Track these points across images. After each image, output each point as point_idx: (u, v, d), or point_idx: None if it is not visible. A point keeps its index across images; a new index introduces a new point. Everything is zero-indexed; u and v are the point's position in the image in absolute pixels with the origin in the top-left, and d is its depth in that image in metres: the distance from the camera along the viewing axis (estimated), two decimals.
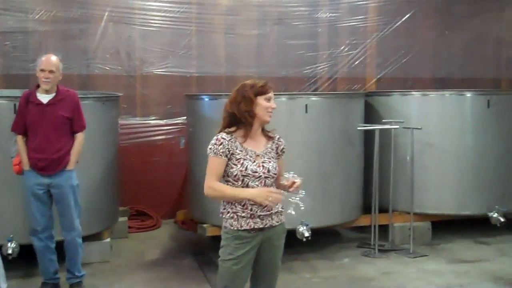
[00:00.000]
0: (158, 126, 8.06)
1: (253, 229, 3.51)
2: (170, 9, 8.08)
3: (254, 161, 3.53)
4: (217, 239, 6.63)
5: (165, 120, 8.09)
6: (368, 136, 6.88)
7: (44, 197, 5.11)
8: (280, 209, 3.60)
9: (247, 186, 3.49)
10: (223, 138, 3.51)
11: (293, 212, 3.60)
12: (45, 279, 5.32)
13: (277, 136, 3.72)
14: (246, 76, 8.05)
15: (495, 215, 6.85)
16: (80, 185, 5.27)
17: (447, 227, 7.30)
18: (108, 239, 6.36)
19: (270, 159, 3.59)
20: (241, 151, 3.53)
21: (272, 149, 3.65)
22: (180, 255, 6.59)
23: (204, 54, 8.26)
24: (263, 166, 3.53)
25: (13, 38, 7.49)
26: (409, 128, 6.65)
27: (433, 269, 6.03)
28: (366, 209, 6.98)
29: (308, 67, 8.63)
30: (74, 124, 5.16)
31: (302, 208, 3.58)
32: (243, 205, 3.50)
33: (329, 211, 6.48)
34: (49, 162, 5.04)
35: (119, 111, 7.08)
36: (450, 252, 6.61)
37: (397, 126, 6.68)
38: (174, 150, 7.95)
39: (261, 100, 3.53)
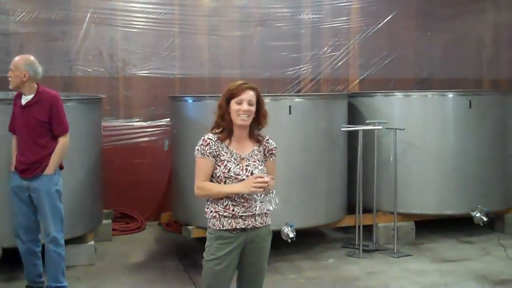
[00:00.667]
0: (141, 128, 8.02)
1: (235, 229, 3.51)
2: (152, 10, 8.05)
3: (238, 164, 3.53)
4: (202, 241, 6.61)
5: (148, 122, 8.06)
6: (351, 137, 6.90)
7: (26, 199, 5.03)
8: (265, 211, 3.58)
9: None
10: (209, 139, 3.54)
11: (271, 208, 3.53)
12: (28, 282, 5.25)
13: (266, 138, 3.68)
14: (230, 77, 8.06)
15: (478, 214, 6.89)
16: (63, 187, 5.19)
17: (430, 227, 7.35)
18: (92, 242, 6.30)
19: (255, 162, 3.56)
20: (226, 153, 3.54)
21: (259, 151, 3.62)
22: (165, 257, 6.56)
23: (187, 55, 8.25)
24: (246, 169, 3.52)
25: None
26: (392, 128, 6.69)
27: (417, 269, 6.06)
28: (350, 209, 7.00)
29: (292, 69, 8.65)
30: (53, 128, 4.97)
31: (272, 207, 3.52)
32: (225, 206, 3.51)
33: (314, 211, 6.49)
34: (26, 165, 4.95)
35: (102, 113, 7.04)
36: (434, 252, 6.66)
37: (380, 127, 6.72)
38: (158, 152, 7.93)
39: (233, 104, 3.52)
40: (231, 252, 3.53)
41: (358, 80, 8.94)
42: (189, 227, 6.44)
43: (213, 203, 3.57)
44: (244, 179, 3.49)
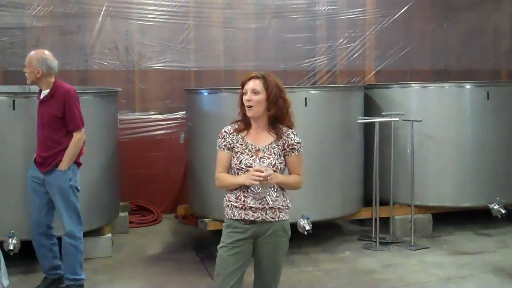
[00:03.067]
0: (157, 121, 8.04)
1: (244, 220, 3.53)
2: (167, 3, 8.04)
3: (252, 156, 3.52)
4: (218, 233, 6.63)
5: (164, 115, 8.07)
6: (368, 128, 6.87)
7: (40, 191, 5.03)
8: (279, 206, 3.55)
9: None
10: (225, 132, 3.61)
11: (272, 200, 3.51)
12: (44, 273, 5.28)
13: (288, 132, 3.60)
14: (245, 70, 8.05)
15: (496, 206, 6.85)
16: (80, 181, 5.20)
17: (448, 219, 7.30)
18: (109, 234, 6.33)
19: (271, 154, 3.53)
20: (241, 144, 3.56)
21: (277, 145, 3.55)
22: (181, 249, 6.59)
23: (202, 48, 8.24)
24: (260, 161, 3.50)
25: (10, 34, 7.45)
26: (409, 120, 6.64)
27: (434, 261, 6.03)
28: (367, 202, 6.98)
29: (307, 60, 8.61)
30: (67, 123, 4.93)
31: (269, 203, 3.50)
32: (237, 197, 3.55)
33: (330, 204, 6.48)
34: (42, 159, 4.97)
35: (118, 106, 7.06)
36: (451, 244, 6.62)
37: (397, 119, 6.68)
38: (174, 144, 7.95)
39: (243, 96, 3.57)
40: (240, 241, 3.55)
41: (374, 72, 8.88)
42: (205, 219, 6.45)
43: (228, 193, 3.62)
44: None
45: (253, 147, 3.54)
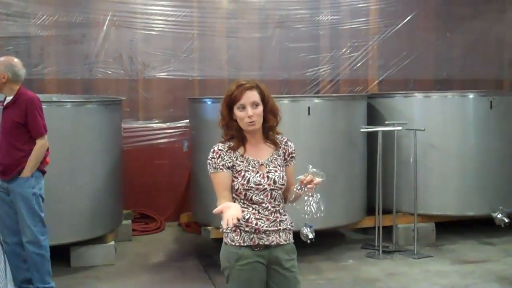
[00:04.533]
0: (161, 129, 8.06)
1: (258, 246, 3.13)
2: (171, 13, 8.09)
3: (258, 172, 3.14)
4: (221, 241, 6.66)
5: (167, 124, 8.09)
6: (371, 138, 6.88)
7: (7, 200, 4.99)
8: (289, 227, 3.23)
9: (251, 200, 3.12)
10: (220, 150, 3.16)
11: (314, 212, 3.15)
12: (16, 287, 5.14)
13: (285, 140, 3.29)
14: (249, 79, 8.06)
15: (499, 215, 6.84)
16: (84, 188, 5.19)
17: (451, 228, 7.29)
18: (112, 242, 6.35)
19: (276, 167, 3.18)
20: (241, 162, 3.15)
21: (279, 156, 3.24)
22: (184, 257, 6.59)
23: (206, 57, 8.27)
24: (268, 177, 3.14)
25: (15, 43, 7.50)
26: (412, 129, 6.65)
27: (438, 270, 6.02)
28: (370, 210, 6.98)
29: (310, 70, 8.63)
30: (30, 130, 4.88)
31: (317, 214, 3.15)
32: (247, 220, 3.11)
33: (333, 212, 6.46)
34: (3, 167, 4.92)
35: (122, 115, 7.10)
36: (454, 253, 6.61)
37: (400, 128, 6.68)
38: (177, 153, 7.95)
39: (236, 111, 3.12)
40: (254, 273, 3.15)
41: (377, 81, 8.90)
42: (209, 227, 6.46)
43: None
44: (266, 188, 3.12)
45: (255, 162, 3.16)
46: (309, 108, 6.23)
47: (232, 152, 3.16)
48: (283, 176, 3.19)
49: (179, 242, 7.29)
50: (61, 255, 5.82)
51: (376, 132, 6.64)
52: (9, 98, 4.97)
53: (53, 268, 5.14)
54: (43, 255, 5.01)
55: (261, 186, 3.12)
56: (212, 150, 3.18)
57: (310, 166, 3.11)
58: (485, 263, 6.22)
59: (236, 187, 3.13)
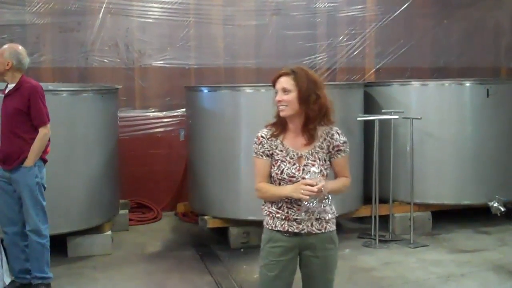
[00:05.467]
0: (157, 118, 8.03)
1: (287, 232, 3.21)
2: (168, 0, 8.02)
3: (294, 164, 3.18)
4: (218, 231, 6.68)
5: (164, 112, 8.07)
6: (367, 126, 6.88)
7: (8, 190, 4.96)
8: (323, 216, 3.24)
9: None
10: (262, 137, 3.25)
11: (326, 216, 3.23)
12: (13, 276, 5.16)
13: (331, 133, 3.28)
14: (245, 67, 8.07)
15: (495, 204, 6.84)
16: (81, 178, 5.17)
17: (447, 217, 7.31)
18: (109, 232, 6.34)
19: (315, 161, 3.19)
20: (281, 151, 3.22)
21: (322, 149, 3.23)
22: (181, 247, 6.59)
23: (202, 45, 8.23)
24: (303, 170, 3.17)
25: (10, 31, 7.43)
26: (408, 118, 6.64)
27: (434, 259, 6.04)
28: (367, 199, 6.99)
29: (307, 58, 8.60)
30: (32, 119, 4.84)
31: (327, 215, 3.22)
32: (279, 207, 3.23)
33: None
34: (5, 156, 4.89)
35: (118, 103, 7.07)
36: (450, 242, 6.62)
37: (397, 116, 6.67)
38: (174, 142, 7.95)
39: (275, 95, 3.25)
40: (282, 256, 3.24)
41: (374, 69, 8.88)
42: (205, 217, 6.47)
43: (268, 203, 3.30)
44: (300, 181, 3.14)
45: (294, 153, 3.20)
46: None
47: (273, 139, 3.24)
48: (320, 170, 3.17)
49: (176, 231, 7.29)
50: (58, 245, 5.79)
51: (373, 120, 6.63)
52: (10, 86, 4.93)
53: (50, 258, 5.12)
54: (44, 244, 5.00)
55: (294, 179, 3.17)
56: (256, 135, 3.29)
57: (313, 169, 3.14)
58: (481, 252, 6.23)
59: (272, 175, 3.24)
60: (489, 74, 9.24)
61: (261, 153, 3.23)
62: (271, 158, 3.23)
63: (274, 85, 3.24)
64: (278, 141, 3.23)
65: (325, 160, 3.23)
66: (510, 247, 6.41)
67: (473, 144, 7.00)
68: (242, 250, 6.16)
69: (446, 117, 7.00)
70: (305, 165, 3.17)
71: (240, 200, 6.18)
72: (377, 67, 8.89)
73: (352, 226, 7.28)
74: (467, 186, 7.01)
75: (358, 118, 6.68)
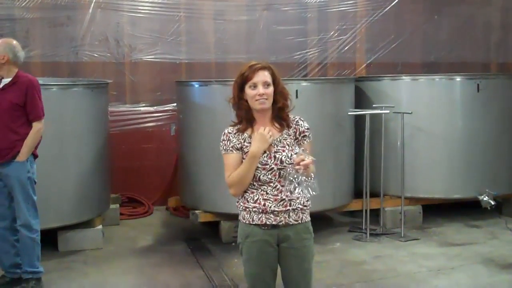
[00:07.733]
0: (148, 113, 8.01)
1: (265, 225, 3.24)
2: None
3: (265, 152, 3.22)
4: (209, 225, 6.68)
5: (155, 107, 8.05)
6: (358, 121, 6.89)
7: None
8: (301, 207, 3.29)
9: (259, 180, 3.23)
10: (229, 133, 3.30)
11: (309, 194, 3.16)
12: (4, 271, 5.15)
13: (296, 119, 3.37)
14: (236, 62, 8.05)
15: (486, 198, 6.88)
16: (71, 172, 5.15)
17: (438, 210, 7.34)
18: (100, 226, 6.33)
19: (284, 147, 3.26)
20: (249, 143, 3.25)
21: (289, 135, 3.31)
22: (172, 241, 6.59)
23: (193, 40, 8.21)
24: (274, 156, 3.22)
25: (0, 26, 7.40)
26: (399, 112, 6.66)
27: (424, 253, 6.07)
28: (357, 193, 7.01)
29: (298, 53, 8.60)
30: (27, 113, 4.82)
31: (310, 194, 3.17)
32: (255, 200, 3.25)
33: (321, 196, 6.36)
34: None
35: (109, 98, 7.05)
36: (441, 236, 6.65)
37: (388, 111, 6.70)
38: (165, 137, 7.93)
39: (248, 89, 3.23)
40: (263, 250, 3.27)
41: (365, 64, 8.89)
42: (196, 211, 6.47)
43: (242, 198, 3.31)
44: (273, 168, 3.20)
45: None
46: (296, 91, 6.19)
47: (240, 134, 3.29)
48: (291, 155, 3.22)
49: (167, 226, 7.28)
50: (48, 240, 5.78)
51: (364, 115, 6.65)
52: (6, 80, 4.89)
53: (41, 252, 5.11)
54: (34, 239, 4.98)
55: (267, 166, 3.22)
56: (223, 133, 3.33)
57: (300, 150, 3.19)
58: (471, 246, 6.26)
59: None
60: (479, 69, 9.27)
61: (230, 148, 3.28)
62: (241, 152, 3.27)
63: (247, 79, 3.24)
64: (246, 134, 3.29)
65: (293, 146, 3.30)
66: (499, 241, 6.45)
67: (464, 139, 7.03)
68: (233, 244, 6.15)
69: (437, 111, 7.03)
70: (275, 152, 3.24)
71: None
72: (368, 62, 8.90)
73: (343, 220, 7.30)
74: (458, 180, 7.04)
75: (349, 113, 6.69)
